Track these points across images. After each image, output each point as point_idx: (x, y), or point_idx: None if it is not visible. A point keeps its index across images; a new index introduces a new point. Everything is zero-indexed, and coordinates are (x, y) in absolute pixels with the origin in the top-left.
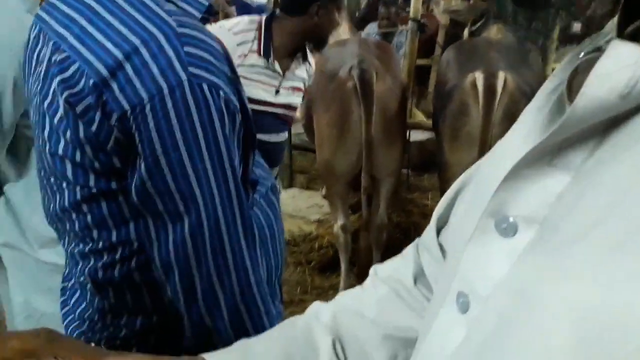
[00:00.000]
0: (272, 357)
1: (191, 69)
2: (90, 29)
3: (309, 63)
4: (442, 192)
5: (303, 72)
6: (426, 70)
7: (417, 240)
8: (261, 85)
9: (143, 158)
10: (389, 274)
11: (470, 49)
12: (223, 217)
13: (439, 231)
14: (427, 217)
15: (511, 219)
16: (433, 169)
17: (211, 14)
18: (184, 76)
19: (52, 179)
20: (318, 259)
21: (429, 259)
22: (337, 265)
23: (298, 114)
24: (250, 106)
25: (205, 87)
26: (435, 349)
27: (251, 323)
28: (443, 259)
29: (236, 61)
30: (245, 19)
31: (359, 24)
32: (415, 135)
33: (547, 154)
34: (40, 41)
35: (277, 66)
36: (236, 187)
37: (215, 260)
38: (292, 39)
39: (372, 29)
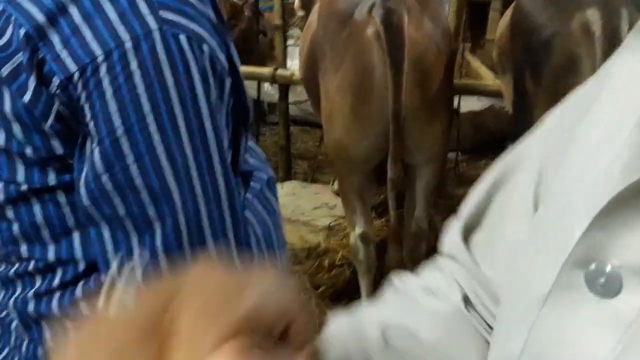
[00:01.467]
0: None
1: (164, 14)
2: None
3: None
4: None
5: None
6: (482, 8)
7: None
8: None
9: (97, 140)
10: (421, 282)
11: None
12: (209, 224)
13: (466, 237)
14: None
15: (610, 270)
16: (492, 152)
17: None
18: (153, 24)
19: None
20: (329, 282)
21: (452, 266)
22: (356, 291)
23: (297, 73)
24: None
25: (183, 38)
26: None
27: None
28: (475, 265)
29: None
30: None
31: None
32: (468, 104)
33: None
34: None
35: None
36: (226, 179)
37: None
38: None
39: None
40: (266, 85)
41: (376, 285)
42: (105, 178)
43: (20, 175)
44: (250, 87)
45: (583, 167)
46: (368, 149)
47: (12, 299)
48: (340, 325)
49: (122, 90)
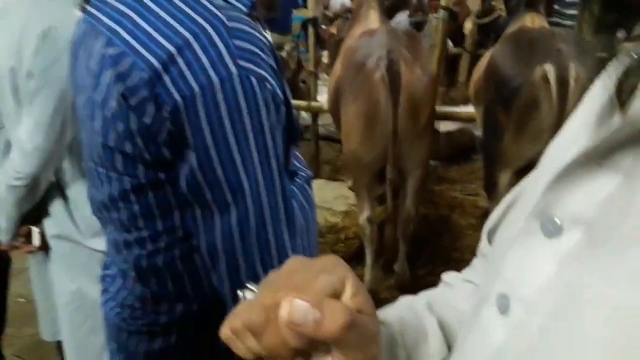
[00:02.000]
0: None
1: (240, 62)
2: (143, 23)
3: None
4: (488, 178)
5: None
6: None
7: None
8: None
9: (194, 149)
10: (462, 276)
11: (530, 41)
12: (268, 207)
13: (489, 239)
14: (454, 209)
15: (557, 220)
16: (462, 160)
17: (255, 9)
18: (234, 69)
19: (100, 169)
20: (344, 250)
21: (482, 261)
22: (362, 257)
23: (324, 105)
24: None
25: (253, 79)
26: (476, 349)
27: None
28: None
29: None
30: None
31: (387, 13)
32: (444, 126)
33: (596, 156)
34: (90, 35)
35: None
36: (280, 177)
37: (259, 249)
38: None
39: (402, 18)
40: (302, 113)
41: (377, 253)
42: (198, 174)
43: (140, 172)
44: None
45: (556, 150)
46: (374, 157)
47: (131, 257)
48: (398, 302)
49: (212, 115)
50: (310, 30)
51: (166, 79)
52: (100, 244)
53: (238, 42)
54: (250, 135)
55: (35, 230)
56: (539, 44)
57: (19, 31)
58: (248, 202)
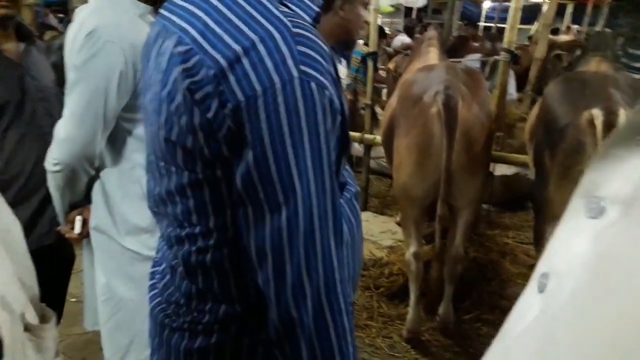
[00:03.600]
0: None
1: (302, 67)
2: (212, 24)
3: (341, 64)
4: (536, 229)
5: (340, 72)
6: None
7: None
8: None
9: (251, 148)
10: None
11: (582, 83)
12: (317, 211)
13: None
14: (505, 255)
15: (600, 200)
16: (517, 207)
17: (318, 21)
18: (295, 73)
19: (161, 163)
20: (387, 285)
21: None
22: (406, 294)
23: (379, 137)
24: None
25: (313, 85)
26: (511, 326)
27: (332, 319)
28: None
29: None
30: None
31: (448, 54)
32: (500, 170)
33: (636, 134)
34: (162, 36)
35: None
36: (331, 184)
37: (306, 252)
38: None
39: (473, 57)
40: (356, 145)
41: (421, 291)
42: (253, 172)
43: (198, 167)
44: None
45: None
46: (424, 192)
47: (181, 252)
48: None
49: (271, 116)
50: (370, 64)
51: (231, 77)
52: (133, 243)
53: (301, 48)
54: (306, 139)
55: (78, 218)
56: (590, 87)
57: (77, 29)
58: (299, 204)
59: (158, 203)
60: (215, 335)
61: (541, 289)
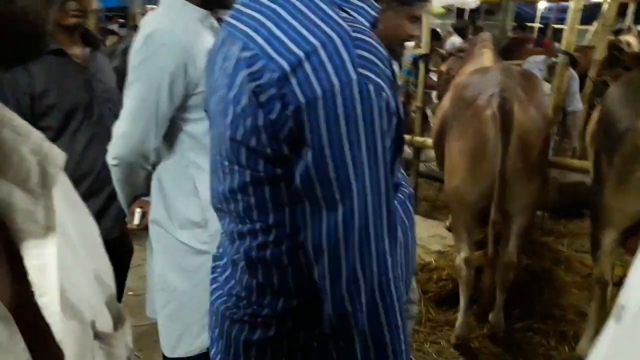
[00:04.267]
0: None
1: (361, 70)
2: (276, 30)
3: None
4: (593, 236)
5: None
6: None
7: None
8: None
9: (311, 147)
10: None
11: None
12: (372, 209)
13: None
14: (559, 263)
15: (620, 306)
16: (573, 214)
17: (376, 26)
18: (354, 76)
19: (225, 162)
20: (436, 290)
21: None
22: (455, 300)
23: (429, 140)
24: None
25: (371, 87)
26: (595, 355)
27: (385, 316)
28: None
29: None
30: None
31: (502, 54)
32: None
33: None
34: (228, 42)
35: None
36: (386, 183)
37: (360, 250)
38: None
39: (538, 59)
40: (405, 147)
41: (472, 298)
42: (312, 170)
43: (260, 166)
44: None
45: None
46: (477, 196)
47: (243, 247)
48: None
49: (330, 117)
50: (421, 66)
51: (293, 81)
52: (186, 236)
53: (360, 52)
54: (363, 139)
55: (137, 210)
56: None
57: (141, 32)
58: (354, 202)
59: (222, 200)
60: (273, 328)
61: (618, 319)
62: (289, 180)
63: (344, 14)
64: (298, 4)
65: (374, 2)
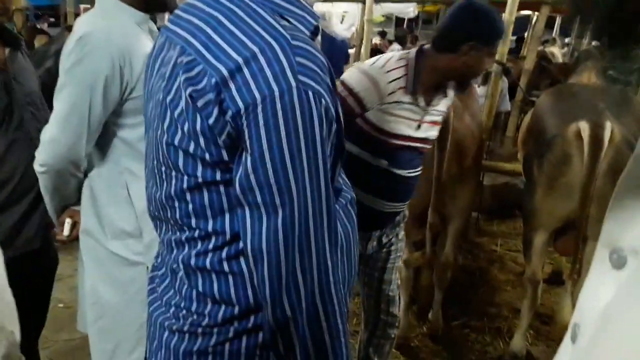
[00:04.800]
0: None
1: (300, 77)
2: (215, 36)
3: (449, 96)
4: (525, 237)
5: (444, 106)
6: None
7: None
8: (404, 121)
9: (250, 152)
10: None
11: (571, 95)
12: (312, 214)
13: None
14: (494, 263)
15: (622, 252)
16: (505, 215)
17: (316, 34)
18: (293, 82)
19: (163, 168)
20: None
21: None
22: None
23: None
24: (392, 141)
25: (310, 93)
26: None
27: (326, 320)
28: None
29: (386, 99)
30: (395, 55)
31: None
32: (490, 179)
33: None
34: (166, 47)
35: (422, 102)
36: (326, 188)
37: (301, 254)
38: (439, 75)
39: None
40: None
41: (411, 298)
42: (251, 176)
43: (199, 172)
44: None
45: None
46: (416, 200)
47: (181, 256)
48: None
49: (269, 122)
50: None
51: (232, 86)
52: (119, 247)
53: (300, 59)
54: (302, 145)
55: (67, 220)
56: (578, 100)
57: (73, 34)
58: (294, 207)
59: (159, 208)
60: (214, 337)
61: (573, 339)
62: (228, 186)
63: (285, 22)
64: (237, 10)
65: (313, 11)
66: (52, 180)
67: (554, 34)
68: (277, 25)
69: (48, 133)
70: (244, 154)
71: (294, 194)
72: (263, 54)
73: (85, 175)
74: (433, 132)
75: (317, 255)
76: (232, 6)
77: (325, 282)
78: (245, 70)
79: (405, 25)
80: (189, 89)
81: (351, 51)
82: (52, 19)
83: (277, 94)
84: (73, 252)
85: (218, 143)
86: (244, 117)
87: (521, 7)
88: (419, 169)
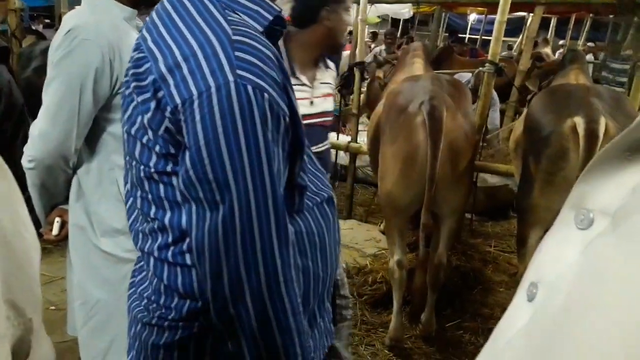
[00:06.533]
0: None
1: (239, 72)
2: (164, 32)
3: (331, 67)
4: (519, 235)
5: (328, 77)
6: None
7: None
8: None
9: (188, 147)
10: None
11: (566, 93)
12: (255, 211)
13: None
14: (487, 264)
15: (589, 212)
16: (499, 216)
17: (283, 27)
18: (231, 77)
19: (127, 157)
20: (370, 293)
21: None
22: (389, 302)
23: (364, 145)
24: None
25: (249, 88)
26: (500, 335)
27: (275, 318)
28: None
29: None
30: None
31: (433, 64)
32: (483, 181)
33: (626, 149)
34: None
35: (304, 79)
36: (272, 184)
37: (244, 252)
38: (311, 49)
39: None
40: (341, 153)
41: (405, 300)
42: (191, 172)
43: (152, 162)
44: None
45: None
46: (409, 200)
47: (147, 247)
48: None
49: (206, 117)
50: (357, 73)
51: (170, 82)
52: (109, 244)
53: (240, 54)
54: (242, 139)
55: (57, 219)
56: (573, 97)
57: (62, 28)
58: (234, 203)
59: (128, 198)
60: (180, 332)
61: (530, 298)
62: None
63: (233, 17)
64: (189, 6)
65: (271, 4)
66: (40, 177)
67: (548, 36)
68: (222, 21)
69: (37, 128)
70: (184, 149)
71: (232, 190)
72: (202, 50)
73: (74, 171)
74: (328, 104)
75: (262, 252)
76: (185, 1)
77: (273, 280)
78: (184, 67)
79: (400, 27)
80: (134, 84)
81: (345, 53)
82: (47, 20)
83: (213, 89)
84: (64, 253)
85: (161, 137)
86: (181, 113)
87: (514, 8)
88: (326, 142)
